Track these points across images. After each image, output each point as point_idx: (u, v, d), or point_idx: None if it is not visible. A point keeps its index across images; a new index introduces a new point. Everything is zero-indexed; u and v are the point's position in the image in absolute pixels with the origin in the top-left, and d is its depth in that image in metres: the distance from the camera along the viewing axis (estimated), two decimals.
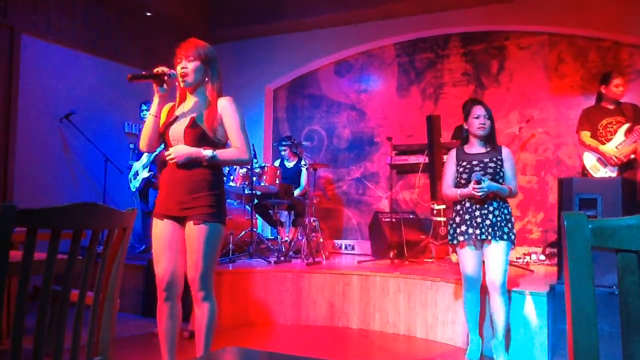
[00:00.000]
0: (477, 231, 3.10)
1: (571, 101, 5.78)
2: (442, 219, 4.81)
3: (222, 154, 2.39)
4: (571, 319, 0.94)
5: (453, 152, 3.31)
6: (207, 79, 2.45)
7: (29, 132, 5.52)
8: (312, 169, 5.50)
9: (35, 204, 1.34)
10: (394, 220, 5.31)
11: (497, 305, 3.13)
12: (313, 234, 5.41)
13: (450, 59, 6.46)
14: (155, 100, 2.43)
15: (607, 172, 4.32)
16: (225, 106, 2.42)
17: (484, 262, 3.18)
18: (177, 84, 2.47)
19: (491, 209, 3.11)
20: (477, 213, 3.12)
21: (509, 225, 3.11)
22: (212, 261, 2.38)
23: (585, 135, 4.47)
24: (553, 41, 5.93)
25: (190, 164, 2.39)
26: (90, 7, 6.16)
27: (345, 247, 6.50)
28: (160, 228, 2.43)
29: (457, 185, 3.22)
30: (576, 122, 4.63)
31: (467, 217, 3.15)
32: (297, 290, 4.42)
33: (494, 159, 3.16)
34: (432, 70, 6.56)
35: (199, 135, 2.38)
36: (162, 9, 6.67)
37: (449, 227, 3.25)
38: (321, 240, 5.46)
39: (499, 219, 3.10)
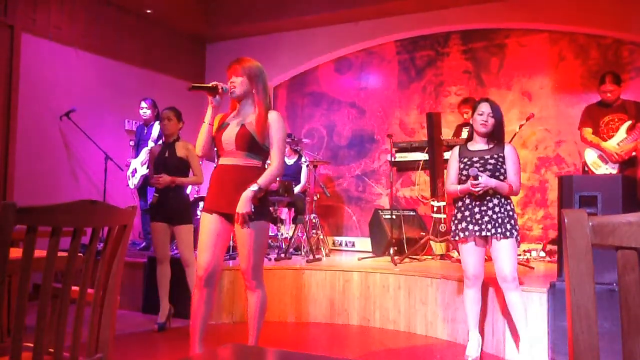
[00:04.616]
0: (476, 227, 3.10)
1: (572, 99, 5.77)
2: (442, 215, 4.81)
3: (262, 181, 2.64)
4: (571, 316, 0.94)
5: (456, 149, 3.32)
6: (253, 92, 2.73)
7: (29, 130, 5.51)
8: (312, 166, 5.49)
9: (35, 202, 1.34)
10: (394, 217, 5.31)
11: (510, 301, 3.10)
12: (313, 231, 5.41)
13: (450, 56, 6.45)
14: (209, 110, 2.74)
15: (607, 169, 4.33)
16: (273, 119, 2.70)
17: (486, 259, 3.18)
18: (230, 97, 2.79)
19: (491, 205, 3.11)
20: (477, 210, 3.13)
21: (512, 221, 3.09)
22: (260, 254, 2.71)
23: (587, 131, 4.47)
24: (553, 39, 5.91)
25: (238, 165, 2.66)
26: (90, 5, 6.15)
27: (346, 244, 6.50)
28: (209, 221, 2.71)
29: (459, 181, 3.23)
30: (577, 120, 4.63)
31: (467, 213, 3.16)
32: (298, 287, 4.42)
33: (495, 156, 3.15)
34: (432, 68, 6.55)
35: (249, 139, 2.65)
36: (162, 7, 6.66)
37: (452, 224, 3.26)
38: (321, 237, 5.46)
39: (500, 215, 3.09)
